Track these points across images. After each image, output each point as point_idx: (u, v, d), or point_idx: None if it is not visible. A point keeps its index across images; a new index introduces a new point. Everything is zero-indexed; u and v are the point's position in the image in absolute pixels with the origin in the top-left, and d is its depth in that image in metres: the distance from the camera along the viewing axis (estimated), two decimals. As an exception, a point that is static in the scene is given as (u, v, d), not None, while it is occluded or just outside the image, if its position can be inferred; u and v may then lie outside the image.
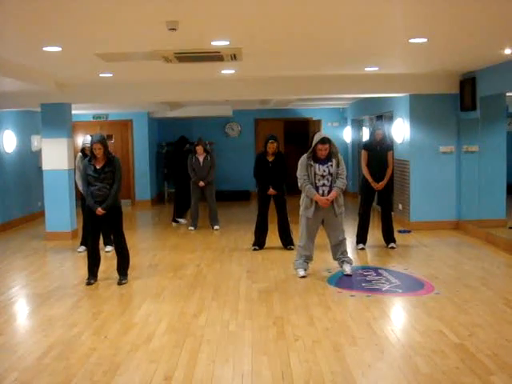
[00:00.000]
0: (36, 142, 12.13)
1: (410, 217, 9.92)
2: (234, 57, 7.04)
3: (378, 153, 8.40)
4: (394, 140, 10.47)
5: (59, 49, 6.32)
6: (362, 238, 8.48)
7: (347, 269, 6.89)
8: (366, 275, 6.93)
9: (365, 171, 8.44)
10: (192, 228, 10.50)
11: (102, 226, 6.96)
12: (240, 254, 8.29)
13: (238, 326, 5.21)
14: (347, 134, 15.62)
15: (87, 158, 6.87)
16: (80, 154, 8.30)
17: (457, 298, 5.84)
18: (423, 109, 9.81)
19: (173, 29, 5.21)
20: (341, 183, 6.69)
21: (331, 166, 6.69)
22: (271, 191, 8.38)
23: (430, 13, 5.12)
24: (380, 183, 8.33)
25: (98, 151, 6.61)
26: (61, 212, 9.75)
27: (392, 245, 8.42)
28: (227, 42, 6.25)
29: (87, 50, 6.55)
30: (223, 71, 8.57)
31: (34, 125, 12.01)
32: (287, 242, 8.51)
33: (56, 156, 9.70)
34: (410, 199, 9.90)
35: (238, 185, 15.42)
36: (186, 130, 15.77)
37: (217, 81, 9.57)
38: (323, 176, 6.67)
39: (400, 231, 9.53)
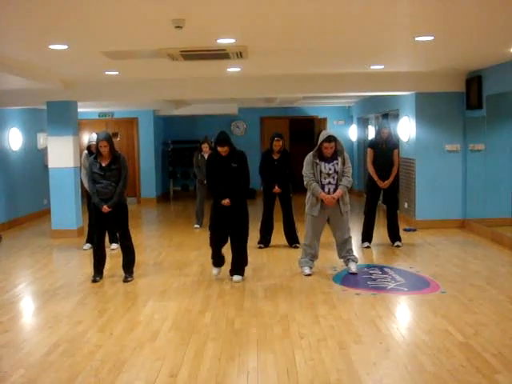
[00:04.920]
0: (42, 139, 12.16)
1: (416, 215, 9.91)
2: (239, 55, 7.03)
3: (383, 151, 8.38)
4: (399, 138, 10.45)
5: (65, 47, 6.33)
6: (367, 237, 8.48)
7: (352, 267, 6.88)
8: (371, 273, 6.92)
9: (370, 169, 8.42)
10: (197, 226, 10.51)
11: (107, 224, 6.97)
12: (245, 252, 8.29)
13: (244, 323, 5.22)
14: (353, 133, 15.61)
15: (93, 156, 6.89)
16: (86, 151, 8.33)
17: (462, 297, 5.84)
18: (429, 107, 9.79)
19: (179, 27, 5.22)
20: (346, 181, 6.68)
21: (337, 164, 6.68)
22: (277, 189, 8.38)
23: (436, 11, 5.11)
24: (386, 181, 8.32)
25: (104, 149, 6.63)
26: (66, 210, 9.78)
27: (397, 243, 8.41)
28: (233, 40, 6.25)
29: (93, 47, 6.56)
30: (229, 69, 8.57)
31: (39, 123, 12.05)
32: (292, 240, 8.51)
33: (62, 154, 9.72)
34: (416, 197, 9.89)
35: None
36: (191, 128, 15.82)
37: (222, 79, 9.57)
38: (329, 174, 6.66)
39: (405, 229, 9.52)
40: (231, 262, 6.77)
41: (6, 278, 7.20)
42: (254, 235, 8.86)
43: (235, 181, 6.51)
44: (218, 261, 6.81)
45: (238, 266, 6.74)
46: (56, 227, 9.82)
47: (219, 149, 6.44)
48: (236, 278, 6.69)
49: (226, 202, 6.49)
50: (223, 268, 6.84)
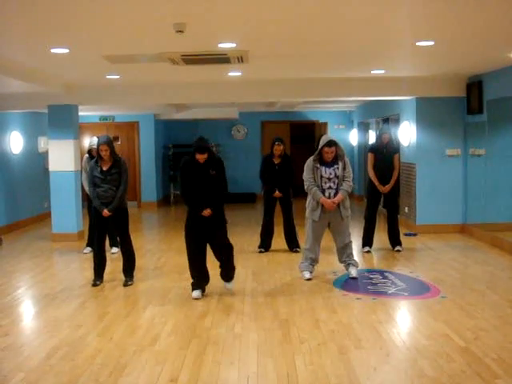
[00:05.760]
0: (43, 143, 12.17)
1: (416, 220, 9.90)
2: (240, 59, 7.04)
3: (384, 156, 8.39)
4: (400, 143, 10.45)
5: (67, 50, 6.34)
6: (367, 241, 8.47)
7: (353, 272, 6.88)
8: (371, 278, 6.92)
9: (371, 174, 8.42)
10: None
11: (108, 228, 6.97)
12: (246, 256, 8.28)
13: (244, 328, 5.21)
14: (353, 137, 15.61)
15: (94, 160, 6.89)
16: (87, 155, 8.33)
17: (463, 302, 5.83)
18: (430, 112, 9.80)
19: (180, 31, 5.22)
20: (347, 186, 6.68)
21: (337, 168, 6.68)
22: (277, 193, 8.38)
23: (436, 16, 5.11)
24: (386, 186, 8.32)
25: (105, 153, 6.63)
26: (67, 213, 9.77)
27: (398, 248, 8.41)
28: (234, 45, 6.26)
29: (94, 51, 6.58)
30: (230, 73, 8.58)
31: (40, 126, 12.04)
32: (293, 244, 8.51)
33: (62, 157, 9.73)
34: (416, 202, 9.89)
35: (244, 187, 15.43)
36: (192, 132, 15.82)
37: (223, 83, 9.59)
38: (329, 179, 6.66)
39: (406, 234, 9.52)
40: (220, 271, 6.37)
41: (6, 281, 7.19)
42: (254, 239, 8.88)
43: (213, 189, 6.04)
44: (200, 278, 6.26)
45: (228, 273, 6.37)
46: (56, 231, 9.82)
47: (198, 156, 5.95)
48: (228, 285, 6.38)
49: (207, 212, 6.00)
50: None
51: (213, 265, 6.48)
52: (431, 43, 6.33)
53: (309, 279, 6.82)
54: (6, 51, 6.45)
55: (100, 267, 6.87)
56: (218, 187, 6.11)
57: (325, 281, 6.82)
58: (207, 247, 6.29)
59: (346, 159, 6.77)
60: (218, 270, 6.49)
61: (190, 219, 6.16)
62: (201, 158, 5.97)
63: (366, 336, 4.92)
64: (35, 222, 11.76)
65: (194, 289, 6.23)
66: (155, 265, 7.92)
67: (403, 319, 5.62)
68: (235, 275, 6.48)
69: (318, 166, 6.68)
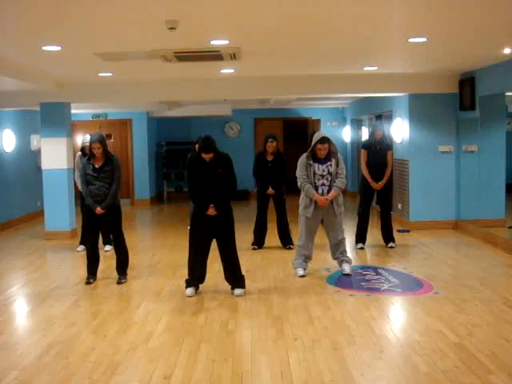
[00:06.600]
0: (35, 141, 12.12)
1: (409, 216, 9.92)
2: (233, 56, 7.03)
3: (377, 152, 8.40)
4: (393, 139, 10.47)
5: (59, 48, 6.31)
6: (361, 238, 8.49)
7: (346, 268, 6.89)
8: (365, 275, 6.93)
9: (364, 171, 8.44)
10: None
11: (101, 226, 6.96)
12: (239, 253, 8.12)
13: (237, 325, 5.22)
14: (346, 134, 15.62)
15: (86, 157, 6.87)
16: (79, 153, 8.30)
17: (456, 298, 5.85)
18: (422, 108, 9.81)
19: (172, 28, 5.21)
20: (340, 183, 6.69)
21: (330, 165, 6.69)
22: (270, 191, 8.38)
23: (429, 12, 5.12)
24: (379, 183, 8.33)
25: (97, 150, 6.61)
26: (60, 211, 9.74)
27: (391, 244, 8.42)
28: (227, 42, 6.25)
29: (87, 49, 6.55)
30: (222, 70, 8.57)
31: (33, 124, 12.00)
32: (286, 241, 8.51)
33: (55, 155, 9.69)
34: (409, 199, 9.91)
35: (237, 184, 15.36)
36: (185, 129, 15.81)
37: (216, 80, 9.56)
38: (322, 175, 6.67)
39: (399, 231, 9.53)
40: (227, 276, 6.30)
41: (-1, 280, 7.18)
42: (247, 237, 8.87)
43: (220, 187, 6.04)
44: (197, 276, 6.22)
45: (237, 278, 6.25)
46: (49, 229, 9.78)
47: (204, 155, 5.93)
48: (237, 291, 6.17)
49: (212, 211, 5.99)
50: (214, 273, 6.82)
51: (210, 264, 6.47)
52: (424, 40, 6.34)
53: (302, 276, 6.82)
54: (-3, 49, 6.43)
55: (93, 265, 6.86)
56: (226, 185, 6.11)
57: (318, 277, 6.83)
58: (210, 247, 6.27)
59: (339, 156, 6.78)
60: (215, 270, 6.49)
61: (196, 217, 6.20)
62: (206, 157, 5.97)
63: (360, 332, 4.93)
64: (28, 221, 11.71)
65: (187, 286, 6.22)
66: (149, 262, 7.91)
67: (397, 315, 5.63)
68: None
69: (311, 162, 6.69)
